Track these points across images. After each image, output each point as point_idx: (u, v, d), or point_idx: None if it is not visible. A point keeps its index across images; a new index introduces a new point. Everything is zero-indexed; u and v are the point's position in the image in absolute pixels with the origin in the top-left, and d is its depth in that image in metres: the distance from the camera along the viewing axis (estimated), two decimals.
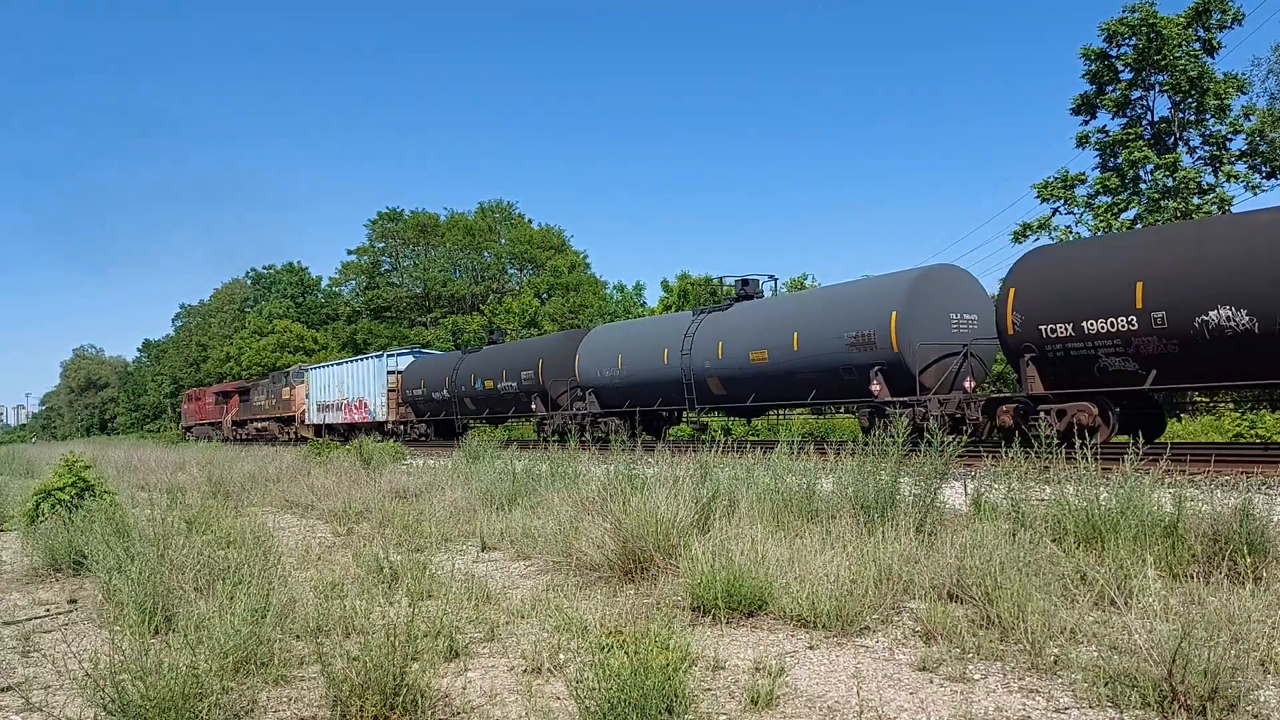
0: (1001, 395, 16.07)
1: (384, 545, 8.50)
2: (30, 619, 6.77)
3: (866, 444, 8.61)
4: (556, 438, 26.15)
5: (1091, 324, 14.22)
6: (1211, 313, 12.80)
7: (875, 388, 17.78)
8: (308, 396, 46.16)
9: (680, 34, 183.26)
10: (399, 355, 40.85)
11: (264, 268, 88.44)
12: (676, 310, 42.45)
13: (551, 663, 4.92)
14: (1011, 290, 15.36)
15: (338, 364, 45.15)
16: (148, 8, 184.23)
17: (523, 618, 6.00)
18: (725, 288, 26.57)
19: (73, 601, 7.35)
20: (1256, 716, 3.84)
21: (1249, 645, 4.09)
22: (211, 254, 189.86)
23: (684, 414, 25.11)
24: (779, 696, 4.35)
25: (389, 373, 38.89)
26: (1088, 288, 14.34)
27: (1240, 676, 3.89)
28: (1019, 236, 35.01)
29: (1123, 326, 13.83)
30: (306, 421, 46.10)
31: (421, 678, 4.30)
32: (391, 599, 6.07)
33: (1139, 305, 13.58)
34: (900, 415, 14.97)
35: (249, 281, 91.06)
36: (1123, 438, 14.19)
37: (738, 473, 9.46)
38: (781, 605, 5.71)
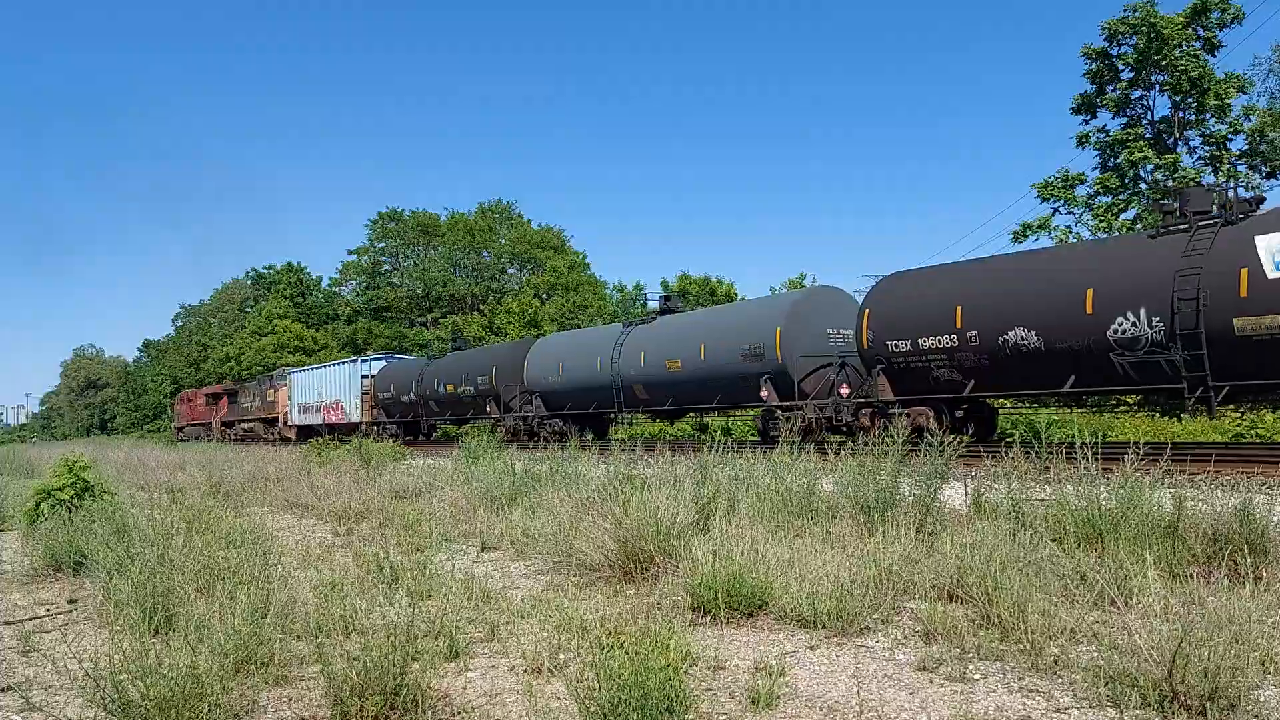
0: (863, 400, 18.59)
1: (384, 545, 8.50)
2: (30, 619, 6.77)
3: (866, 444, 8.63)
4: (508, 437, 28.50)
5: (925, 341, 17.12)
6: (1010, 333, 15.78)
7: (765, 394, 20.53)
8: (290, 399, 48.18)
9: (681, 34, 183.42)
10: (372, 360, 43.46)
11: (264, 268, 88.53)
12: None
13: (552, 663, 4.92)
14: (866, 312, 18.33)
15: (317, 368, 47.56)
16: (150, 5, 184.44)
17: (523, 618, 6.00)
18: (649, 306, 29.97)
19: (73, 601, 7.35)
20: (1257, 717, 3.84)
21: (1249, 645, 4.08)
22: (211, 254, 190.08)
23: (615, 416, 27.40)
24: (779, 696, 4.35)
25: (363, 377, 41.33)
26: (922, 311, 17.23)
27: (1240, 676, 3.89)
28: (1019, 236, 35.04)
29: (947, 343, 16.74)
30: (289, 423, 48.12)
31: (422, 678, 4.30)
32: (392, 599, 6.07)
33: (959, 326, 16.53)
34: (785, 418, 19.43)
35: (249, 281, 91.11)
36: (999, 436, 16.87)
37: (738, 473, 9.46)
38: (782, 605, 5.71)
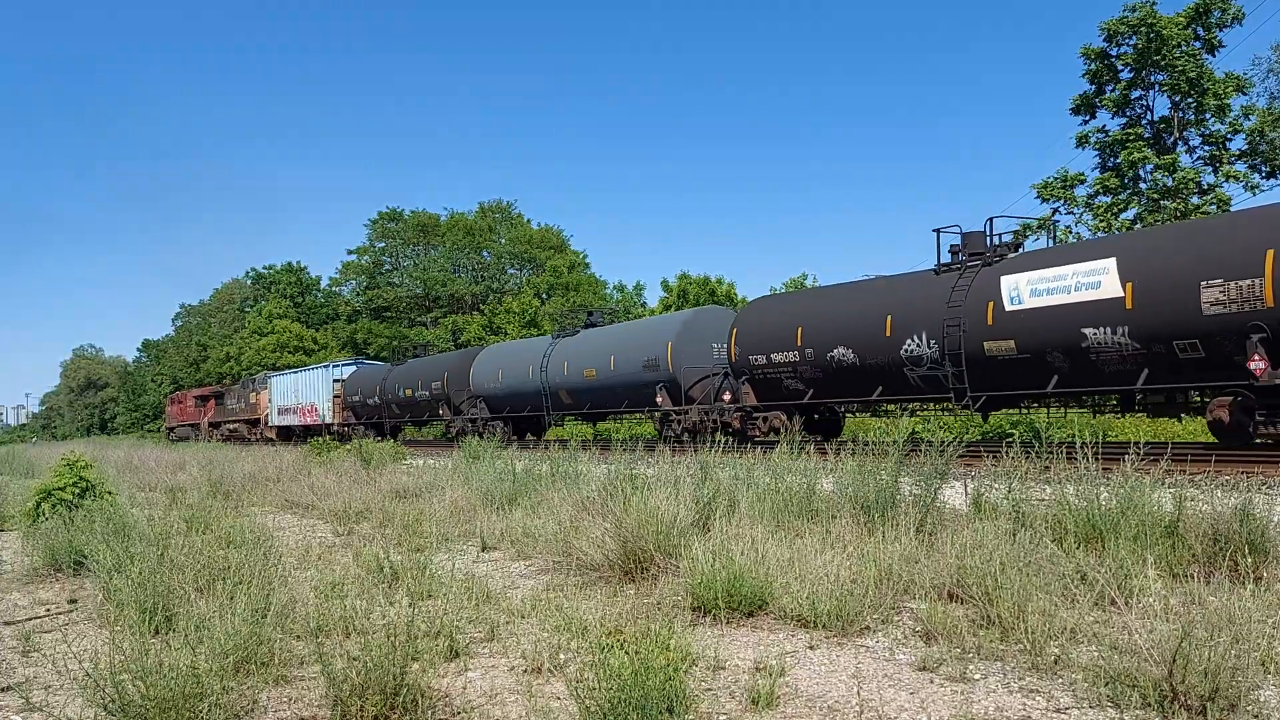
0: (736, 405, 21.58)
1: (384, 545, 8.50)
2: (30, 619, 6.77)
3: (867, 444, 8.63)
4: (459, 436, 31.72)
5: (776, 356, 20.30)
6: (835, 350, 18.92)
7: (660, 399, 23.77)
8: (270, 401, 50.51)
9: (680, 34, 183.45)
10: (343, 366, 46.17)
11: (264, 268, 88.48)
12: (676, 310, 43.19)
13: (552, 663, 4.92)
14: (734, 331, 21.71)
15: (294, 372, 50.37)
16: (150, 4, 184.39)
17: (523, 617, 6.00)
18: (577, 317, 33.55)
19: (73, 601, 7.35)
20: (1257, 717, 3.84)
21: (1249, 645, 4.08)
22: (211, 253, 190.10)
23: (546, 418, 30.22)
24: (779, 696, 4.35)
25: (334, 381, 44.16)
26: (774, 331, 20.45)
27: (1241, 676, 3.89)
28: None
29: (793, 359, 19.92)
30: (269, 424, 50.28)
31: (422, 677, 4.30)
32: (392, 599, 6.07)
33: (799, 344, 19.74)
34: (676, 420, 23.32)
35: (249, 281, 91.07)
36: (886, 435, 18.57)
37: (738, 473, 9.46)
38: (782, 605, 5.71)
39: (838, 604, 5.45)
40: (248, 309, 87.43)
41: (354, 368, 45.40)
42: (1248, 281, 12.81)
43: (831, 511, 7.79)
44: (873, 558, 6.10)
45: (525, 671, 4.88)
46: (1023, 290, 15.81)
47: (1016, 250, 17.41)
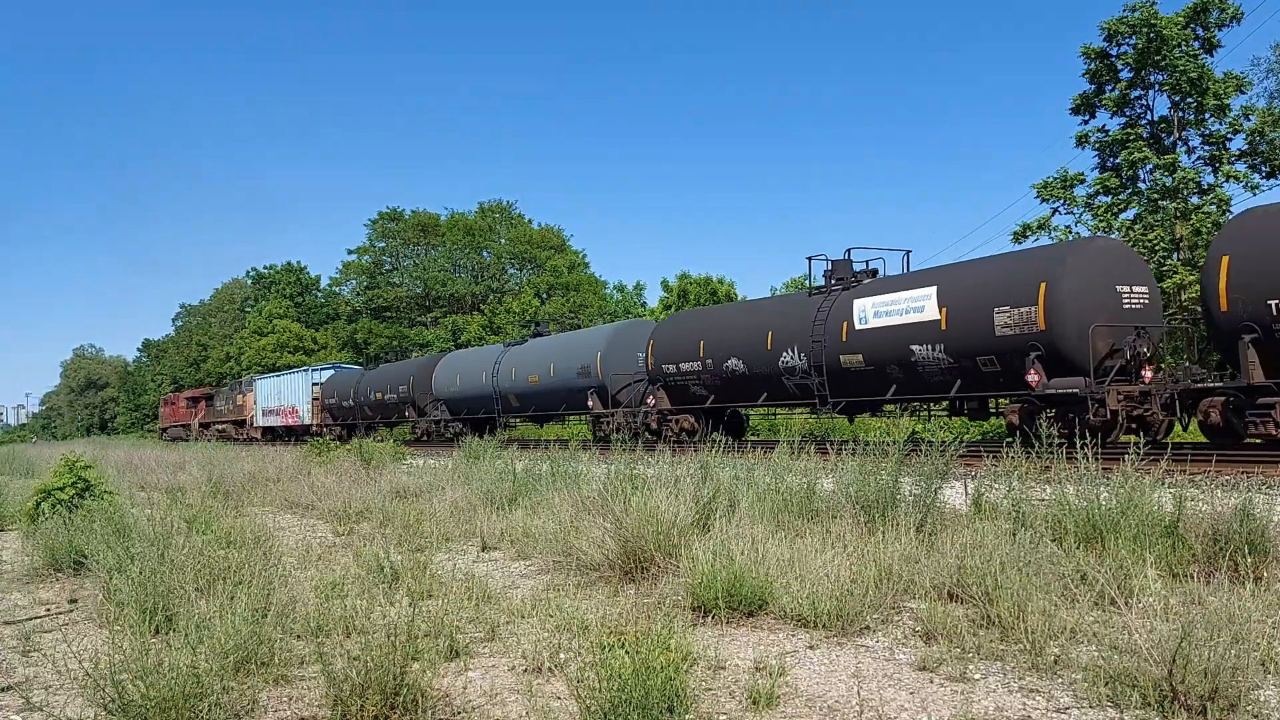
0: (656, 409, 24.68)
1: (384, 545, 8.50)
2: (31, 619, 6.77)
3: (867, 444, 8.64)
4: (423, 436, 34.95)
5: (684, 365, 23.59)
6: (729, 361, 22.06)
7: (591, 404, 26.79)
8: (255, 403, 53.09)
9: (680, 34, 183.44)
10: (322, 370, 49.08)
11: (264, 267, 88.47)
12: (676, 310, 43.45)
13: (552, 662, 4.92)
14: (650, 343, 25.12)
15: (277, 376, 53.31)
16: (152, 3, 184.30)
17: (523, 617, 6.00)
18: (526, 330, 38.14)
19: (73, 601, 7.35)
20: (1257, 717, 3.84)
21: (1249, 645, 4.08)
22: (212, 253, 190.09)
23: (497, 420, 33.14)
24: (779, 696, 4.35)
25: (313, 384, 46.90)
26: (682, 344, 23.87)
27: (1241, 676, 3.89)
28: (1019, 237, 34.99)
29: (697, 368, 23.14)
30: (255, 424, 52.82)
31: (422, 677, 4.30)
32: (392, 599, 6.07)
33: (701, 355, 22.93)
34: (605, 422, 26.10)
35: (249, 281, 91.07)
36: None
37: (738, 472, 9.46)
38: (782, 605, 5.71)
39: (838, 604, 5.45)
40: (248, 309, 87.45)
41: (332, 371, 48.26)
42: (1027, 309, 15.70)
43: (832, 511, 7.79)
44: (873, 557, 6.10)
45: (526, 671, 4.88)
46: (869, 313, 18.73)
47: (872, 277, 20.46)
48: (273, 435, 50.00)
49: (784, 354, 20.46)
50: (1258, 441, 14.13)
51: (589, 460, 12.83)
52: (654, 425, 24.53)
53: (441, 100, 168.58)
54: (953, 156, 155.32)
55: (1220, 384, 13.90)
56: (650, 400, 24.73)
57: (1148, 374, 15.11)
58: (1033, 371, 15.53)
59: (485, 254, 70.39)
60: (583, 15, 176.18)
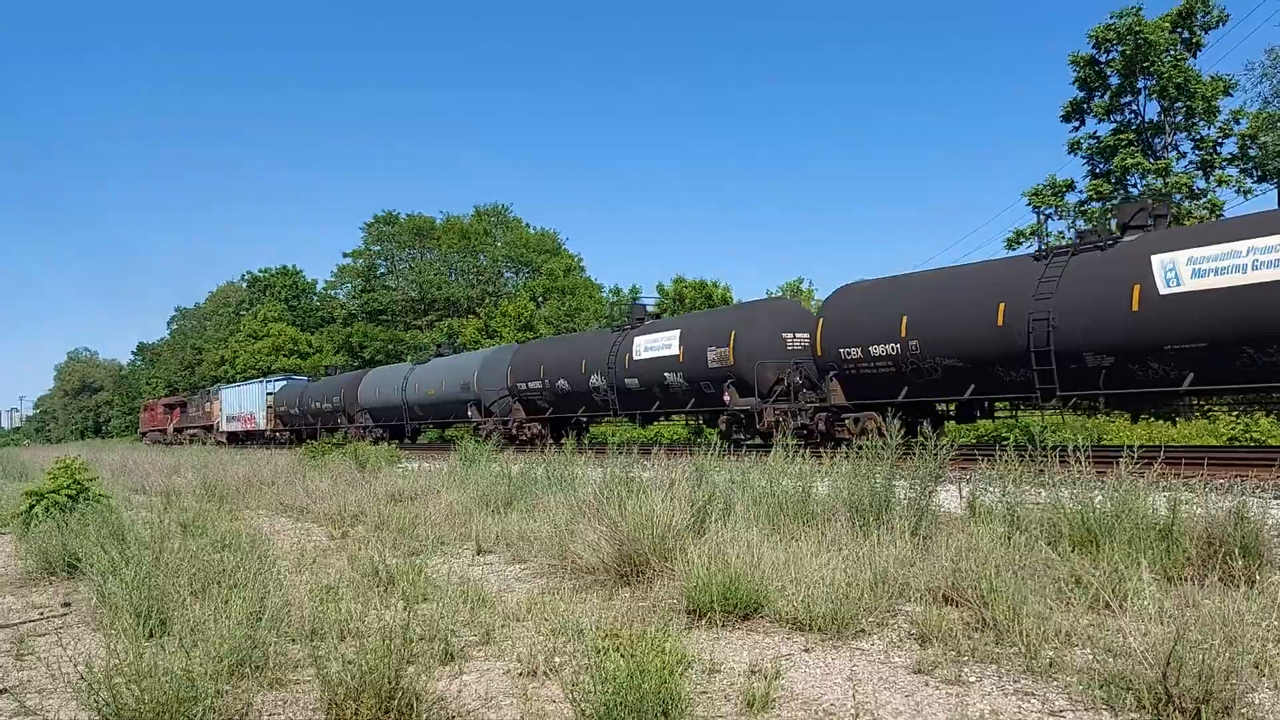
0: (515, 418, 30.27)
1: (379, 548, 8.49)
2: (24, 622, 6.75)
3: (860, 448, 8.64)
4: (353, 440, 37.94)
5: (532, 384, 29.33)
6: (559, 382, 27.98)
7: (471, 413, 33.06)
8: (221, 410, 57.65)
9: (676, 36, 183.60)
10: (276, 381, 54.39)
11: (259, 271, 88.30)
12: (670, 314, 43.76)
13: (547, 666, 4.92)
14: (510, 366, 30.73)
15: (238, 386, 58.84)
16: (147, 4, 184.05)
17: (518, 621, 5.99)
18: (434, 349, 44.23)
19: (67, 605, 7.33)
20: None
21: (1243, 648, 4.09)
22: (207, 256, 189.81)
23: (406, 426, 38.97)
24: (775, 699, 4.35)
25: (268, 394, 52.14)
26: (531, 366, 29.50)
27: (1234, 679, 3.90)
28: (1012, 243, 35.06)
29: (540, 386, 28.99)
30: (221, 430, 56.96)
31: (417, 681, 4.29)
32: (387, 602, 6.06)
33: (542, 376, 28.75)
34: (479, 427, 32.25)
35: (244, 285, 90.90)
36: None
37: (734, 476, 9.46)
38: (777, 608, 5.71)
39: (833, 607, 5.45)
40: (243, 312, 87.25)
41: (284, 383, 53.56)
42: (724, 349, 22.05)
43: (827, 514, 7.79)
44: (868, 561, 6.10)
45: (521, 675, 4.87)
46: (642, 348, 24.90)
47: (653, 319, 27.33)
48: (235, 440, 54.49)
49: (592, 377, 26.57)
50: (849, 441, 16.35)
51: (585, 463, 12.83)
52: (514, 431, 30.23)
53: (438, 103, 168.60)
54: (953, 158, 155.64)
55: (821, 404, 20.02)
56: (512, 411, 30.82)
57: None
58: (727, 394, 22.02)
59: (481, 257, 70.27)
60: (580, 19, 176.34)
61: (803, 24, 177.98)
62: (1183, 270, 13.96)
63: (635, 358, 24.87)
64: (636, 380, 24.87)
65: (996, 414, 19.75)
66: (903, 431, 15.66)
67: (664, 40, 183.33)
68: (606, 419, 30.20)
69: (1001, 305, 16.28)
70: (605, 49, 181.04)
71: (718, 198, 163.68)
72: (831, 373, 19.63)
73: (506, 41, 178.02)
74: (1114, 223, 16.07)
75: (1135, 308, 14.40)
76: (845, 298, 20.32)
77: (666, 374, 23.79)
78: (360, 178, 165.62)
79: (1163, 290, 14.12)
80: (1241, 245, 13.36)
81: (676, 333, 23.83)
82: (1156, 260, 14.31)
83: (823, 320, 20.01)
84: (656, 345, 24.39)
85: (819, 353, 19.90)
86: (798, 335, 21.86)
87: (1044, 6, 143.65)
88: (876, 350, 18.56)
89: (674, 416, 27.52)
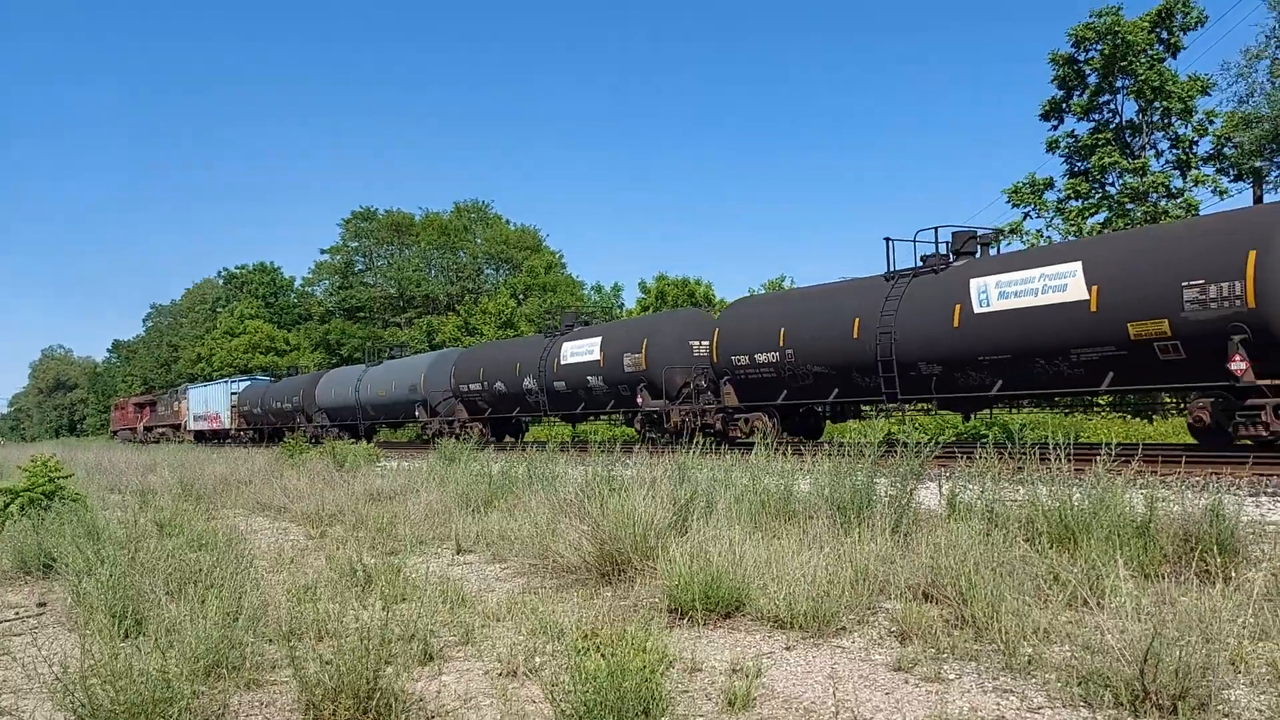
0: (457, 418, 32.58)
1: (357, 548, 8.44)
2: None
3: (842, 445, 8.67)
4: (312, 440, 39.47)
5: (473, 385, 31.48)
6: (496, 384, 30.08)
7: (418, 413, 35.29)
8: (188, 409, 59.79)
9: (657, 31, 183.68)
10: (240, 381, 56.64)
11: (236, 267, 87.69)
12: (654, 311, 43.97)
13: (527, 666, 4.91)
14: (453, 368, 32.93)
15: (205, 386, 61.50)
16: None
17: (498, 620, 5.97)
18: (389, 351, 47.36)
19: (42, 605, 7.26)
20: (1227, 715, 3.88)
21: (1219, 644, 4.12)
22: (183, 253, 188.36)
23: (359, 426, 40.88)
24: (756, 698, 4.35)
25: (232, 394, 54.43)
26: (473, 369, 31.74)
27: (1211, 675, 3.93)
28: (992, 241, 35.22)
29: (479, 388, 31.22)
30: (188, 428, 59.10)
31: (395, 681, 4.27)
32: (365, 602, 6.02)
33: (481, 379, 30.97)
34: (426, 426, 35.02)
35: (220, 281, 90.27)
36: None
37: (716, 474, 9.46)
38: (759, 606, 5.72)
39: (814, 605, 5.46)
40: (219, 309, 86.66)
41: (248, 383, 55.52)
42: (638, 355, 24.16)
43: (808, 512, 7.80)
44: (849, 558, 6.11)
45: (500, 675, 4.86)
46: (568, 353, 26.83)
47: (583, 325, 29.00)
48: (202, 438, 56.18)
49: (526, 379, 28.60)
50: (747, 439, 20.91)
51: (566, 462, 12.81)
52: (458, 430, 31.92)
53: (417, 98, 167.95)
54: (933, 157, 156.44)
55: (720, 406, 22.15)
56: (455, 411, 32.86)
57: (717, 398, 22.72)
58: (640, 396, 24.28)
59: (461, 254, 69.99)
60: (560, 14, 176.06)
61: (786, 19, 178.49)
62: (992, 292, 16.43)
63: (563, 362, 27.08)
64: (564, 383, 27.14)
65: (862, 415, 21.97)
66: (784, 430, 20.72)
67: (644, 36, 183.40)
68: (538, 419, 32.17)
69: (857, 320, 18.72)
70: (587, 46, 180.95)
71: (702, 196, 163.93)
72: (725, 378, 22.00)
73: (486, 39, 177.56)
74: (949, 250, 18.48)
75: (956, 324, 16.84)
76: (738, 310, 23.10)
77: (589, 378, 26.09)
78: (338, 174, 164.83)
79: (977, 310, 16.56)
80: (1034, 272, 15.83)
81: (599, 340, 26.06)
82: (974, 283, 16.72)
83: (719, 330, 22.46)
84: (581, 351, 26.55)
85: (715, 359, 22.33)
86: (703, 343, 23.83)
87: (1026, 4, 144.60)
88: (761, 358, 20.88)
89: (600, 417, 29.85)
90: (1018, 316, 15.86)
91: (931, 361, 17.32)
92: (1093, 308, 14.83)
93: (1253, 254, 13.08)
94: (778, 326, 20.55)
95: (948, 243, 18.54)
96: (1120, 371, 14.82)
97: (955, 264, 17.85)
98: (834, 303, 19.74)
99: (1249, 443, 13.59)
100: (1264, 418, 13.21)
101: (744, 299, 23.96)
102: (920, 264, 18.62)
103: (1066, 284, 15.26)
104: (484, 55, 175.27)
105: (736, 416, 21.75)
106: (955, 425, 24.55)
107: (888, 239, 19.07)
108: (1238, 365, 13.25)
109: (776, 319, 20.80)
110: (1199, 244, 14.05)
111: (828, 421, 22.46)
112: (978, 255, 18.17)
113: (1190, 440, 16.95)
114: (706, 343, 23.37)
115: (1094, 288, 14.82)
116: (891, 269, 19.10)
